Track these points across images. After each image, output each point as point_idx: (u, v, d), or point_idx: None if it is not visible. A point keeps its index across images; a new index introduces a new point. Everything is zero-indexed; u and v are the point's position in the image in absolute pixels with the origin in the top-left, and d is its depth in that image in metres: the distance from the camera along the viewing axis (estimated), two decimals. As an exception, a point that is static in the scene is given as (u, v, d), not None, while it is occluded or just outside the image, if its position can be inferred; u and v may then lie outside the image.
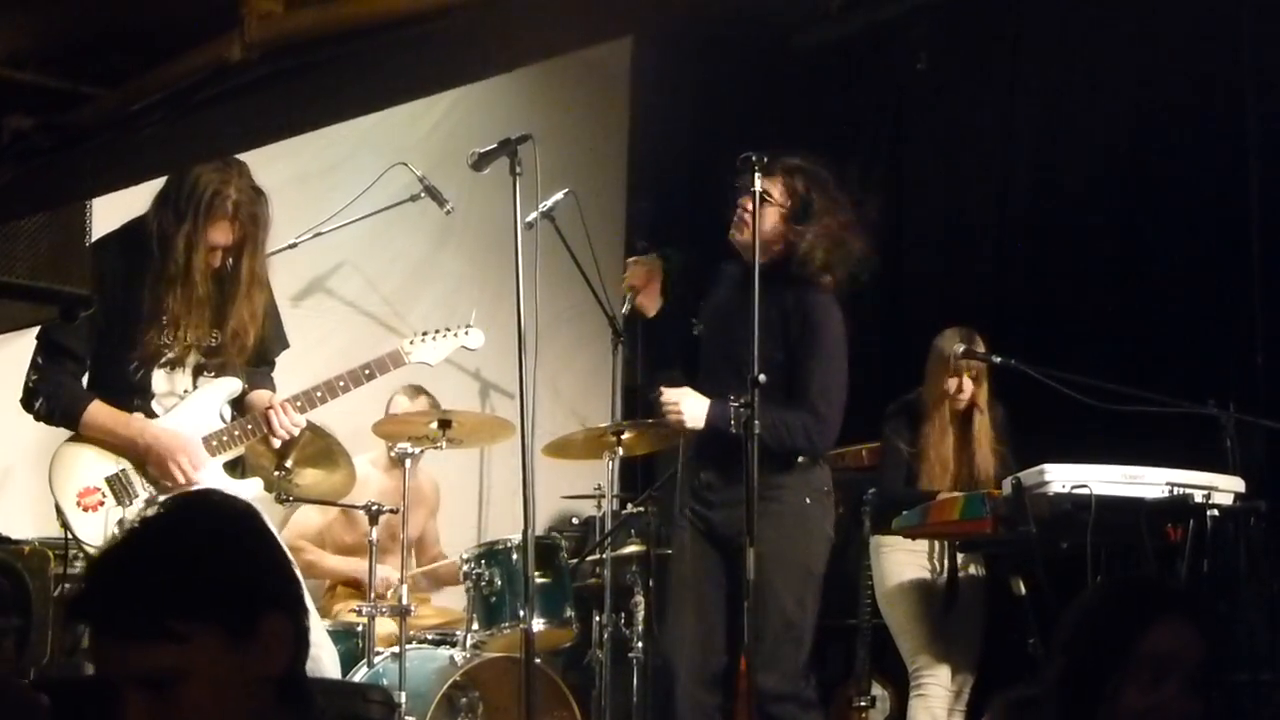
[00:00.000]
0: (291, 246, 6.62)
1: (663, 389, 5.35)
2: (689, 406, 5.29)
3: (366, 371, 5.35)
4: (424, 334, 5.63)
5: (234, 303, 5.13)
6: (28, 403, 5.08)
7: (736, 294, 5.39)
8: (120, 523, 4.92)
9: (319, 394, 5.24)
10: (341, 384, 5.28)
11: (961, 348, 6.28)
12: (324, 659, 5.10)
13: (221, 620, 2.10)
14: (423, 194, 6.79)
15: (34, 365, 5.06)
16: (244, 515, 2.27)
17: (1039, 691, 3.09)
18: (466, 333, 5.68)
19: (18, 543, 5.49)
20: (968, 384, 6.34)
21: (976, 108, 7.58)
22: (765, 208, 5.24)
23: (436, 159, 6.76)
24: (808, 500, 5.30)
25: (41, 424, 5.16)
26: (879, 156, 8.03)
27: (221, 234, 5.06)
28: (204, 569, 2.11)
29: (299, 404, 5.19)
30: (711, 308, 5.57)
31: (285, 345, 5.44)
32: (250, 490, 5.24)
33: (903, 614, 6.39)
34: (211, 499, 2.33)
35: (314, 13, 1.84)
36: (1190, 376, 6.24)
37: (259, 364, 5.35)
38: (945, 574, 6.35)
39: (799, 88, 7.97)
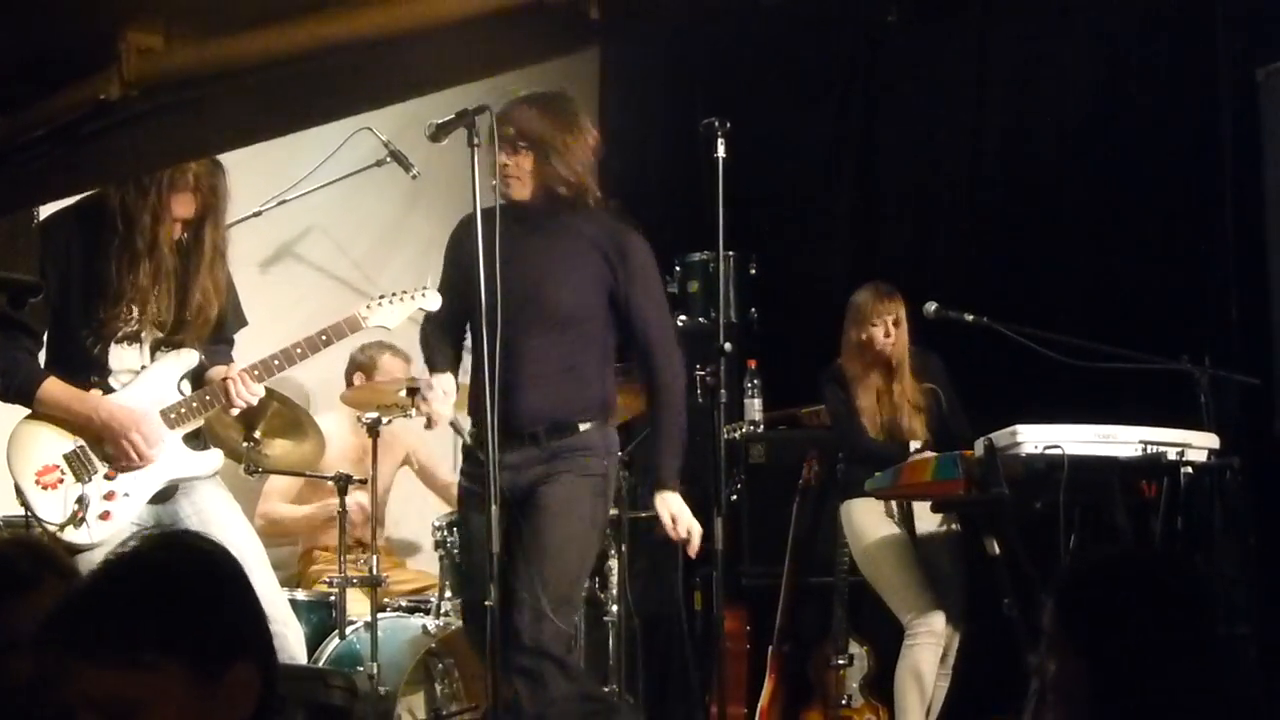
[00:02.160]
0: (256, 214, 6.56)
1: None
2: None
3: (324, 338, 5.26)
4: (381, 298, 5.52)
5: (197, 276, 5.07)
6: None
7: (530, 240, 5.09)
8: (80, 500, 4.90)
9: (276, 362, 5.17)
10: (299, 351, 5.20)
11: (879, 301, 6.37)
12: (289, 638, 5.08)
13: (191, 658, 2.07)
14: (388, 159, 6.74)
15: None
16: (223, 560, 2.24)
17: None
18: (424, 294, 5.54)
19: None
20: (892, 329, 6.33)
21: (948, 61, 7.51)
22: (519, 158, 5.07)
23: (403, 123, 6.65)
24: (605, 462, 5.14)
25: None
26: (850, 111, 7.96)
27: (183, 206, 5.00)
28: (181, 604, 2.09)
29: (256, 373, 5.12)
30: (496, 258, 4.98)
31: (243, 323, 5.39)
32: (211, 462, 5.18)
33: (889, 568, 6.36)
34: (191, 540, 2.31)
35: (194, 50, 1.79)
36: (1164, 332, 6.21)
37: (216, 342, 5.30)
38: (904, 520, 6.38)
39: (769, 42, 7.89)
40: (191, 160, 2.10)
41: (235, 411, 5.20)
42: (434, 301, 5.51)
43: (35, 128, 1.95)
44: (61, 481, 4.93)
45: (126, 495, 4.96)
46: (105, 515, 4.90)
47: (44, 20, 1.85)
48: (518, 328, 4.90)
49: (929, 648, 6.25)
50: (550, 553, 4.95)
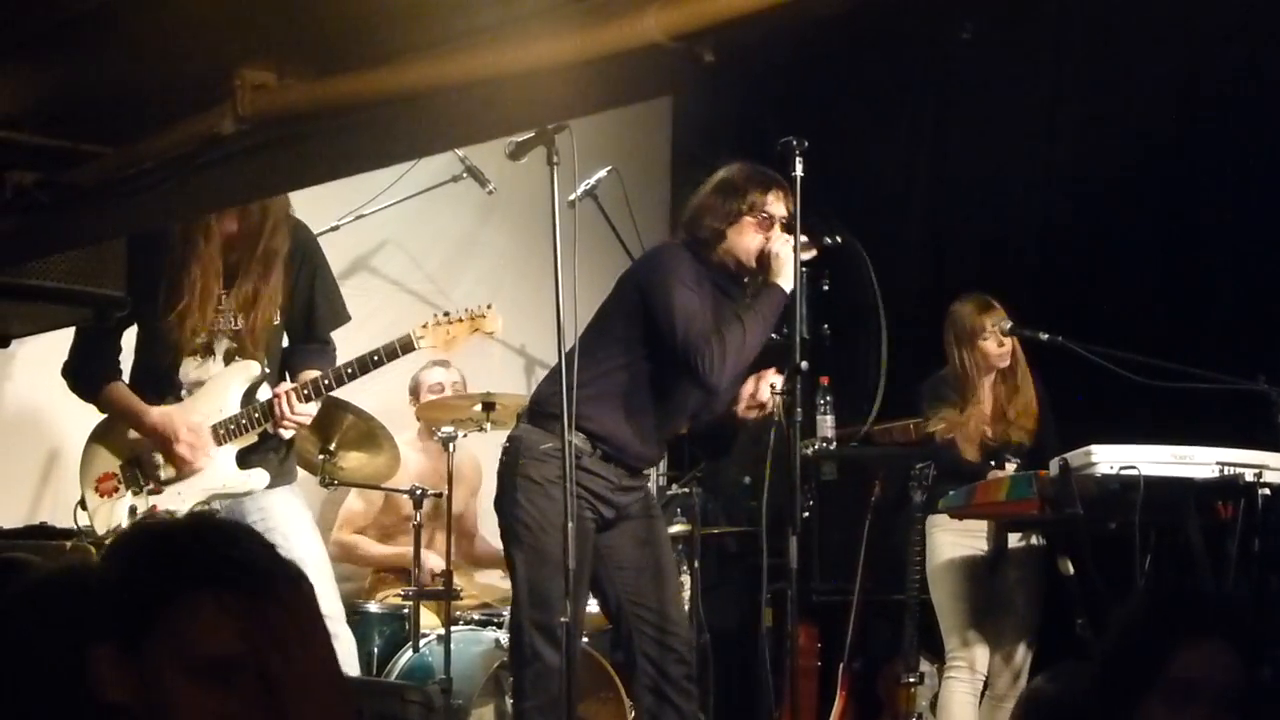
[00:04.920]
0: (333, 229, 6.61)
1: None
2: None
3: (375, 358, 5.17)
4: (444, 315, 5.38)
5: (245, 288, 5.11)
6: (64, 375, 5.18)
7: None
8: (131, 510, 4.98)
9: (325, 381, 5.15)
10: (349, 371, 5.16)
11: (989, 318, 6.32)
12: (339, 650, 5.09)
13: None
14: (464, 174, 6.77)
15: (71, 347, 5.14)
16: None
17: (1070, 695, 3.05)
18: (484, 317, 5.38)
19: (64, 533, 5.55)
20: (1007, 341, 6.33)
21: (1022, 77, 7.47)
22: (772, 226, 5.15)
23: (477, 137, 6.70)
24: None
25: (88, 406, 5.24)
26: (923, 127, 7.95)
27: (231, 222, 5.06)
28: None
29: (305, 392, 5.12)
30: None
31: (341, 320, 5.40)
32: (256, 481, 5.19)
33: (945, 592, 6.38)
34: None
35: (306, 88, 1.82)
36: (1240, 352, 6.16)
37: (309, 341, 5.32)
38: (992, 548, 6.31)
39: (841, 61, 7.86)
40: (296, 189, 2.13)
41: (286, 433, 5.19)
42: (493, 325, 5.39)
43: (148, 158, 1.99)
44: (117, 490, 5.05)
45: (169, 511, 5.02)
46: None
47: (162, 57, 1.88)
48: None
49: (963, 682, 6.30)
50: (673, 574, 5.28)
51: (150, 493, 5.04)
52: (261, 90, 1.84)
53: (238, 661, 2.03)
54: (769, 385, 5.20)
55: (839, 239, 5.19)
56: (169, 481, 5.05)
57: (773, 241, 5.09)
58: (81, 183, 2.12)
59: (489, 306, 5.41)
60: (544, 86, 1.73)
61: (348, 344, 5.65)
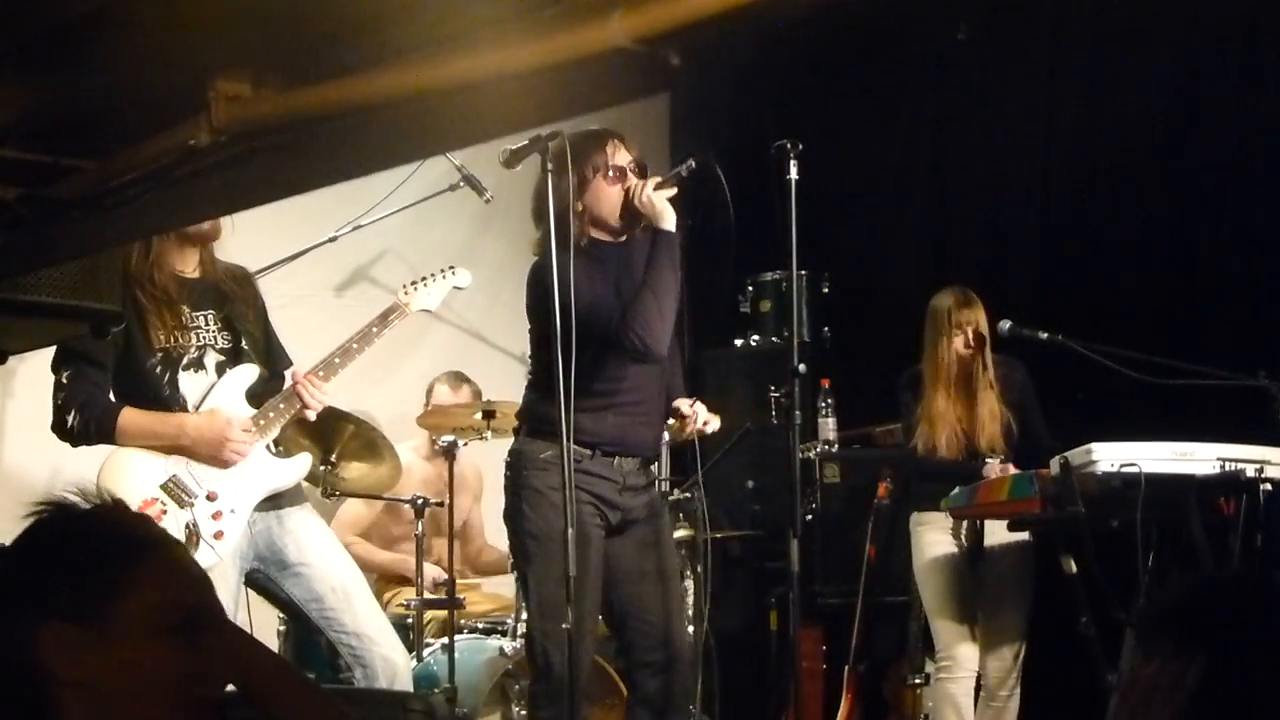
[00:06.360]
0: (331, 240, 6.63)
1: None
2: None
3: (375, 329, 5.38)
4: (414, 283, 5.68)
5: (223, 307, 5.19)
6: (59, 423, 5.00)
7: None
8: (189, 525, 4.92)
9: (336, 360, 5.25)
10: (355, 346, 5.31)
11: (964, 310, 6.27)
12: (399, 664, 5.13)
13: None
14: (461, 183, 6.78)
15: (58, 384, 5.00)
16: None
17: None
18: (454, 273, 5.80)
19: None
20: (972, 339, 6.24)
21: (1018, 78, 7.48)
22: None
23: (475, 147, 6.69)
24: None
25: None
26: (921, 128, 7.95)
27: (178, 258, 5.14)
28: None
29: (321, 373, 5.20)
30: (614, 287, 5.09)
31: (288, 362, 5.43)
32: (301, 466, 5.27)
33: (932, 591, 6.34)
34: None
35: (281, 98, 1.83)
36: (1241, 348, 6.16)
37: (271, 377, 5.33)
38: (969, 544, 6.30)
39: (837, 62, 7.87)
40: (279, 199, 2.14)
41: (312, 415, 5.23)
42: (463, 279, 5.81)
43: (127, 171, 2.00)
44: (165, 512, 4.91)
45: (233, 511, 5.00)
46: (219, 535, 4.95)
47: (140, 70, 1.89)
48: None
49: (955, 681, 6.27)
50: (677, 585, 5.25)
51: (207, 498, 5.00)
52: (236, 101, 1.85)
53: (207, 609, 2.10)
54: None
55: (692, 163, 5.09)
56: (218, 486, 5.02)
57: (634, 191, 5.03)
58: (64, 197, 2.14)
59: (454, 266, 5.86)
60: (517, 92, 1.74)
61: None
